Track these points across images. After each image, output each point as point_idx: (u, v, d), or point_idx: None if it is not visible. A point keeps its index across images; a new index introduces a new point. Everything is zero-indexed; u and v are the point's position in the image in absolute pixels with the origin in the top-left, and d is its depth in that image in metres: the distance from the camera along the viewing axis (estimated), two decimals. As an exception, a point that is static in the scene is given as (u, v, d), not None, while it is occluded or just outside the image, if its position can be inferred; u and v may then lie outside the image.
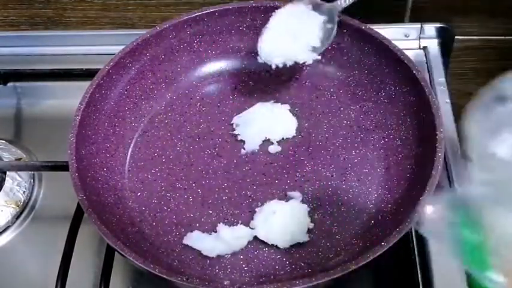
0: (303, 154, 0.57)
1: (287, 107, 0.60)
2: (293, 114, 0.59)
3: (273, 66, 0.57)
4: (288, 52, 0.56)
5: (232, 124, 0.60)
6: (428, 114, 0.52)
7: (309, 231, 0.52)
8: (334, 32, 0.56)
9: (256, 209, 0.53)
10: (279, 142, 0.58)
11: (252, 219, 0.53)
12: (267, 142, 0.58)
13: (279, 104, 0.60)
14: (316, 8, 0.57)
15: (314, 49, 0.56)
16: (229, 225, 0.53)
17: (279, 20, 0.57)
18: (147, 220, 0.54)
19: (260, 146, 0.58)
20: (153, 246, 0.52)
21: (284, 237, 0.51)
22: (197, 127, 0.60)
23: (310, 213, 0.53)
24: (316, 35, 0.56)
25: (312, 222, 0.52)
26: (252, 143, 0.58)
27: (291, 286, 0.43)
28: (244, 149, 0.58)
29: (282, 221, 0.52)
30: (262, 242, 0.52)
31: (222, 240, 0.51)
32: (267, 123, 0.59)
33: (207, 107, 0.61)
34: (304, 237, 0.51)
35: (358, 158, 0.56)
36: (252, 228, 0.52)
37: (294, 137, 0.58)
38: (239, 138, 0.58)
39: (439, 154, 0.49)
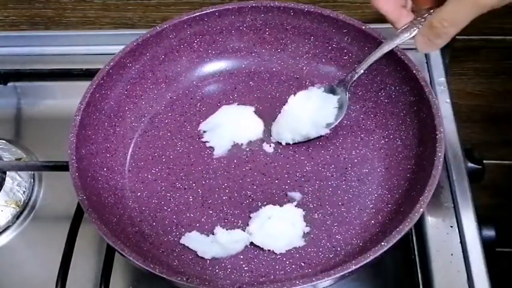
0: (303, 154, 0.57)
1: (251, 108, 0.60)
2: (258, 115, 0.59)
3: (283, 143, 0.57)
4: (302, 132, 0.57)
5: (199, 131, 0.59)
6: (429, 114, 0.52)
7: (306, 234, 0.52)
8: (346, 105, 0.57)
9: (251, 215, 0.53)
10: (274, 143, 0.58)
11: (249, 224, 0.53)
12: (236, 146, 0.58)
13: (243, 105, 0.60)
14: (329, 90, 0.58)
15: (328, 125, 0.57)
16: (229, 227, 0.53)
17: (294, 104, 0.58)
18: (147, 220, 0.54)
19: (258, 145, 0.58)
20: (153, 246, 0.52)
21: (280, 242, 0.51)
22: (197, 127, 0.60)
23: (308, 216, 0.53)
24: (331, 114, 0.57)
25: (308, 225, 0.52)
26: (220, 149, 0.58)
27: (291, 286, 0.43)
28: (213, 155, 0.58)
29: (277, 226, 0.52)
30: (261, 243, 0.52)
31: (218, 244, 0.51)
32: (233, 127, 0.59)
33: (207, 107, 0.61)
34: (300, 242, 0.51)
35: (358, 158, 0.56)
36: (249, 234, 0.52)
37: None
38: (207, 145, 0.58)
39: (439, 154, 0.49)
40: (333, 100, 0.57)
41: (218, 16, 0.61)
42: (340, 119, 0.57)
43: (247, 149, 0.58)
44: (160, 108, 0.62)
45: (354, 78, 0.56)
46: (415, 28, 0.51)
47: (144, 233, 0.53)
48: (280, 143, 0.58)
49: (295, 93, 0.58)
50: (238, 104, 0.60)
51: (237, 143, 0.58)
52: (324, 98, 0.57)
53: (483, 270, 0.50)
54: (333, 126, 0.57)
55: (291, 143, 0.57)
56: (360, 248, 0.50)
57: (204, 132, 0.59)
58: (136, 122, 0.60)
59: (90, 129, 0.56)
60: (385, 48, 0.54)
